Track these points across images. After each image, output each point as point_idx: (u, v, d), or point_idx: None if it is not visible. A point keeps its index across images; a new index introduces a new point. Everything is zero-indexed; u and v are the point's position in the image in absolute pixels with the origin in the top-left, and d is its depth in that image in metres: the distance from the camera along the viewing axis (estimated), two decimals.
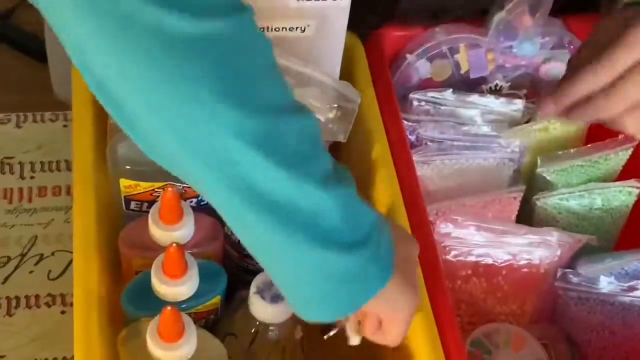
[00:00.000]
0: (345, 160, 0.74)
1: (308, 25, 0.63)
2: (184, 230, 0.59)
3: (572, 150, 0.75)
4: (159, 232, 0.59)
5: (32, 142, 0.84)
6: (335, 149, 0.72)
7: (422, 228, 0.65)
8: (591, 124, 0.77)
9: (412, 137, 0.75)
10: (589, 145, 0.75)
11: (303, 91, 0.62)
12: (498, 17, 0.74)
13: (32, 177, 0.81)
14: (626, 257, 0.69)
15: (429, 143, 0.74)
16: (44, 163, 0.83)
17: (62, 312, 0.73)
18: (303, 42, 0.64)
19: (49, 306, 0.74)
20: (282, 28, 0.63)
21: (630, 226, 0.75)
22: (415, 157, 0.72)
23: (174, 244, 0.55)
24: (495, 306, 0.71)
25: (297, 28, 0.63)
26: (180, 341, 0.54)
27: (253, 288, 0.58)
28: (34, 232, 0.78)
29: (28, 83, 1.31)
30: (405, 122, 0.73)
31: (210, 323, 0.63)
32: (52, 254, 0.77)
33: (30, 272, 0.75)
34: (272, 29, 0.63)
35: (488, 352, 0.67)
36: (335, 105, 0.63)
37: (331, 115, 0.63)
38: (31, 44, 1.49)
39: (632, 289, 0.68)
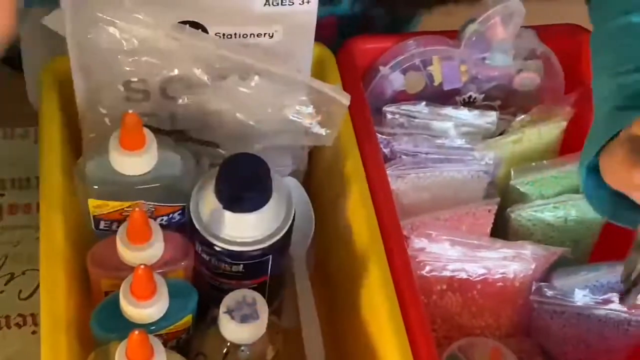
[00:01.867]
0: (318, 174, 0.73)
1: (276, 31, 0.63)
2: (153, 249, 0.58)
3: (545, 161, 0.74)
4: (127, 253, 0.58)
5: (3, 158, 0.82)
6: (308, 163, 0.71)
7: (396, 243, 0.64)
8: (566, 133, 0.77)
9: (387, 151, 0.74)
10: (563, 156, 0.75)
11: (290, 96, 0.62)
12: (470, 28, 0.74)
13: (2, 195, 0.80)
14: (601, 269, 0.69)
15: (403, 156, 0.74)
16: (15, 180, 0.81)
17: (33, 333, 0.72)
18: (272, 49, 0.63)
19: (20, 327, 0.72)
20: (250, 35, 0.63)
21: (605, 237, 0.75)
22: (389, 171, 0.71)
23: (142, 266, 0.54)
24: (471, 320, 0.70)
25: (265, 34, 0.63)
26: None
27: (223, 308, 0.57)
28: (5, 251, 0.76)
29: (2, 92, 1.30)
30: (379, 136, 0.73)
31: (182, 342, 0.62)
32: (23, 273, 0.75)
33: (1, 292, 0.74)
34: (239, 35, 0.62)
35: None
36: (323, 109, 0.63)
37: (318, 118, 0.63)
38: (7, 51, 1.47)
39: (607, 301, 0.67)
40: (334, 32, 0.75)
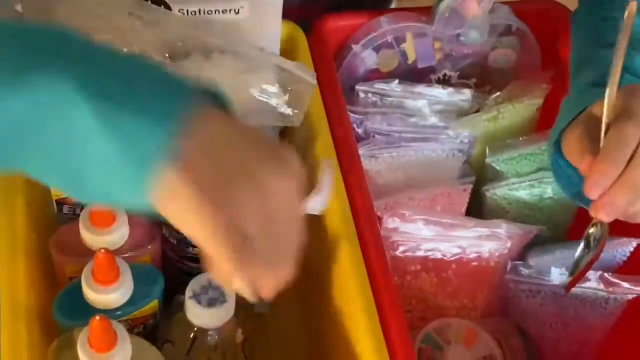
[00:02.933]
0: None
1: (242, 7, 0.61)
2: (117, 233, 0.57)
3: (520, 138, 0.73)
4: (90, 237, 0.56)
5: None
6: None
7: (368, 224, 0.63)
8: (542, 110, 0.76)
9: (360, 130, 0.73)
10: (539, 134, 0.74)
11: (255, 75, 0.60)
12: (443, 4, 0.72)
13: None
14: (577, 247, 0.68)
15: (376, 136, 0.72)
16: None
17: None
18: (239, 25, 0.62)
19: None
20: (216, 11, 0.61)
21: (581, 216, 0.74)
22: (362, 151, 0.70)
23: (102, 250, 0.53)
24: (446, 301, 0.69)
25: (230, 10, 0.61)
26: (112, 351, 0.51)
27: (188, 292, 0.56)
28: None
29: None
30: (352, 115, 0.72)
31: (150, 328, 0.60)
32: None
33: None
34: (204, 11, 0.61)
35: (439, 348, 0.66)
36: (290, 88, 0.61)
37: (285, 98, 0.61)
38: None
39: (584, 280, 0.66)
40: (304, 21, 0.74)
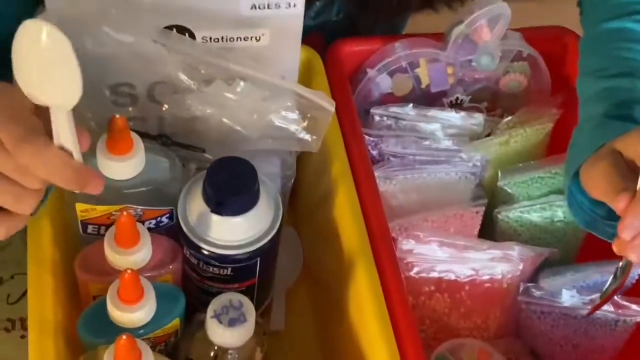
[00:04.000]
0: (306, 176, 0.74)
1: (263, 35, 0.63)
2: (141, 253, 0.58)
3: (532, 162, 0.75)
4: (115, 257, 0.58)
5: None
6: (297, 165, 0.72)
7: (384, 245, 0.64)
8: (552, 135, 0.78)
9: (375, 152, 0.75)
10: (550, 157, 0.76)
11: (276, 102, 0.62)
12: (457, 31, 0.74)
13: None
14: (588, 269, 0.69)
15: (391, 158, 0.74)
16: None
17: (22, 337, 0.72)
18: (259, 52, 0.64)
19: (8, 331, 0.72)
20: (237, 38, 0.63)
21: (591, 238, 0.75)
22: (377, 173, 0.72)
23: (129, 270, 0.54)
24: (460, 321, 0.71)
25: (251, 37, 0.63)
26: None
27: (210, 312, 0.57)
28: None
29: None
30: (367, 137, 0.73)
31: (171, 346, 0.62)
32: (12, 277, 0.75)
33: None
34: (226, 39, 0.63)
35: None
36: (308, 115, 0.63)
37: (304, 124, 0.63)
38: None
39: (594, 302, 0.67)
40: (320, 45, 0.76)
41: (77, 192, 0.53)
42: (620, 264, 0.59)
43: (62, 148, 0.51)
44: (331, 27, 0.80)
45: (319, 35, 0.82)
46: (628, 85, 0.65)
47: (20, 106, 0.51)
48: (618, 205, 0.56)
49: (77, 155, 0.52)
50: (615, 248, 0.57)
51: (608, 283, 0.61)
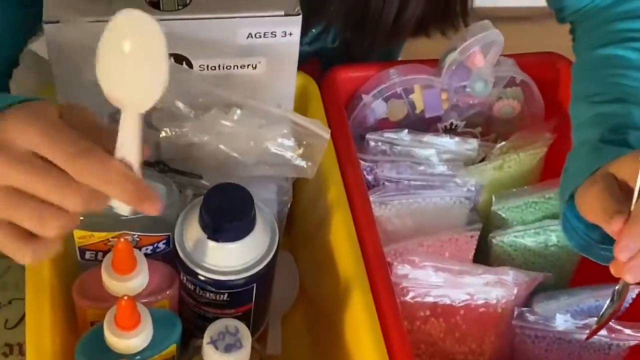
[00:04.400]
0: (303, 202, 0.74)
1: (259, 62, 0.64)
2: (138, 280, 0.59)
3: (526, 187, 0.75)
4: (113, 283, 0.59)
5: None
6: (293, 190, 0.72)
7: (379, 270, 0.65)
8: (545, 159, 0.79)
9: (370, 177, 0.75)
10: (543, 182, 0.76)
11: (272, 130, 0.63)
12: (450, 57, 0.75)
13: None
14: (581, 294, 0.70)
15: (386, 183, 0.75)
16: None
17: None
18: (256, 79, 0.64)
19: (6, 356, 0.73)
20: (234, 66, 0.64)
21: (585, 262, 0.76)
22: (372, 198, 0.72)
23: (125, 296, 0.55)
24: (455, 346, 0.71)
25: (248, 65, 0.64)
26: None
27: (206, 338, 0.57)
28: None
29: None
30: (362, 163, 0.74)
31: None
32: (9, 302, 0.76)
33: None
34: (223, 67, 0.64)
35: None
36: (304, 142, 0.64)
37: (300, 151, 0.64)
38: None
39: (588, 326, 0.68)
40: (317, 71, 0.77)
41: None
42: (617, 287, 0.60)
43: (122, 161, 0.49)
44: (327, 54, 0.82)
45: (316, 60, 0.83)
46: (622, 111, 0.66)
47: (63, 122, 0.50)
48: (613, 227, 0.56)
49: (137, 169, 0.50)
50: (612, 270, 0.57)
51: (605, 306, 0.61)
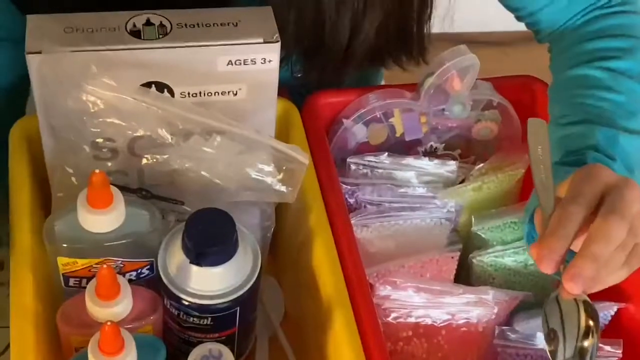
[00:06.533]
0: (285, 226, 0.75)
1: (240, 89, 0.65)
2: (121, 305, 0.60)
3: (505, 207, 0.77)
4: (96, 309, 0.59)
5: None
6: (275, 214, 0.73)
7: (360, 292, 0.66)
8: (523, 180, 0.80)
9: (352, 200, 0.76)
10: (522, 202, 0.77)
11: (252, 156, 0.64)
12: (428, 82, 0.77)
13: None
14: None
15: (367, 206, 0.76)
16: None
17: None
18: (236, 106, 0.66)
19: None
20: (215, 93, 0.65)
21: None
22: (354, 220, 0.73)
23: (108, 322, 0.55)
24: None
25: (229, 92, 0.65)
26: None
27: None
28: None
29: None
30: (344, 186, 0.75)
31: None
32: None
33: None
34: (204, 94, 0.65)
35: None
36: (284, 167, 0.65)
37: (280, 177, 0.65)
38: None
39: None
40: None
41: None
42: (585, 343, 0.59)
43: None
44: (293, 83, 0.82)
45: (285, 90, 0.84)
46: (585, 132, 0.67)
47: None
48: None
49: None
50: (564, 285, 0.58)
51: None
